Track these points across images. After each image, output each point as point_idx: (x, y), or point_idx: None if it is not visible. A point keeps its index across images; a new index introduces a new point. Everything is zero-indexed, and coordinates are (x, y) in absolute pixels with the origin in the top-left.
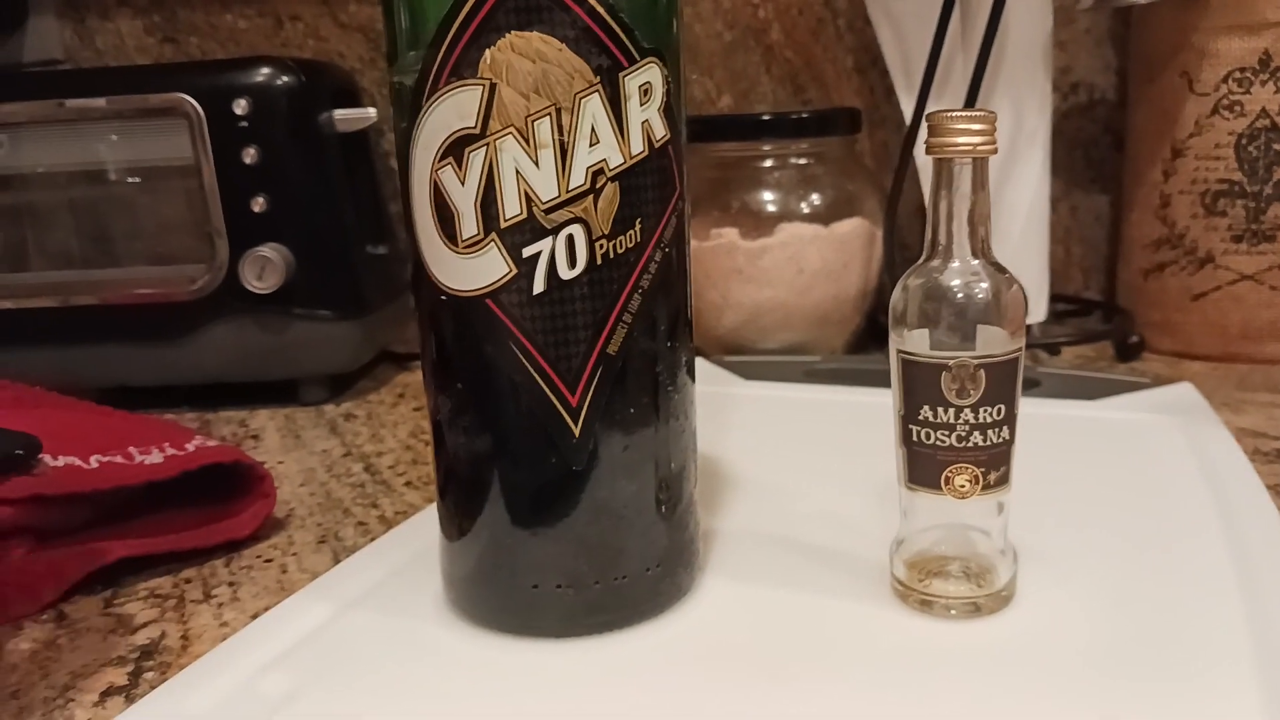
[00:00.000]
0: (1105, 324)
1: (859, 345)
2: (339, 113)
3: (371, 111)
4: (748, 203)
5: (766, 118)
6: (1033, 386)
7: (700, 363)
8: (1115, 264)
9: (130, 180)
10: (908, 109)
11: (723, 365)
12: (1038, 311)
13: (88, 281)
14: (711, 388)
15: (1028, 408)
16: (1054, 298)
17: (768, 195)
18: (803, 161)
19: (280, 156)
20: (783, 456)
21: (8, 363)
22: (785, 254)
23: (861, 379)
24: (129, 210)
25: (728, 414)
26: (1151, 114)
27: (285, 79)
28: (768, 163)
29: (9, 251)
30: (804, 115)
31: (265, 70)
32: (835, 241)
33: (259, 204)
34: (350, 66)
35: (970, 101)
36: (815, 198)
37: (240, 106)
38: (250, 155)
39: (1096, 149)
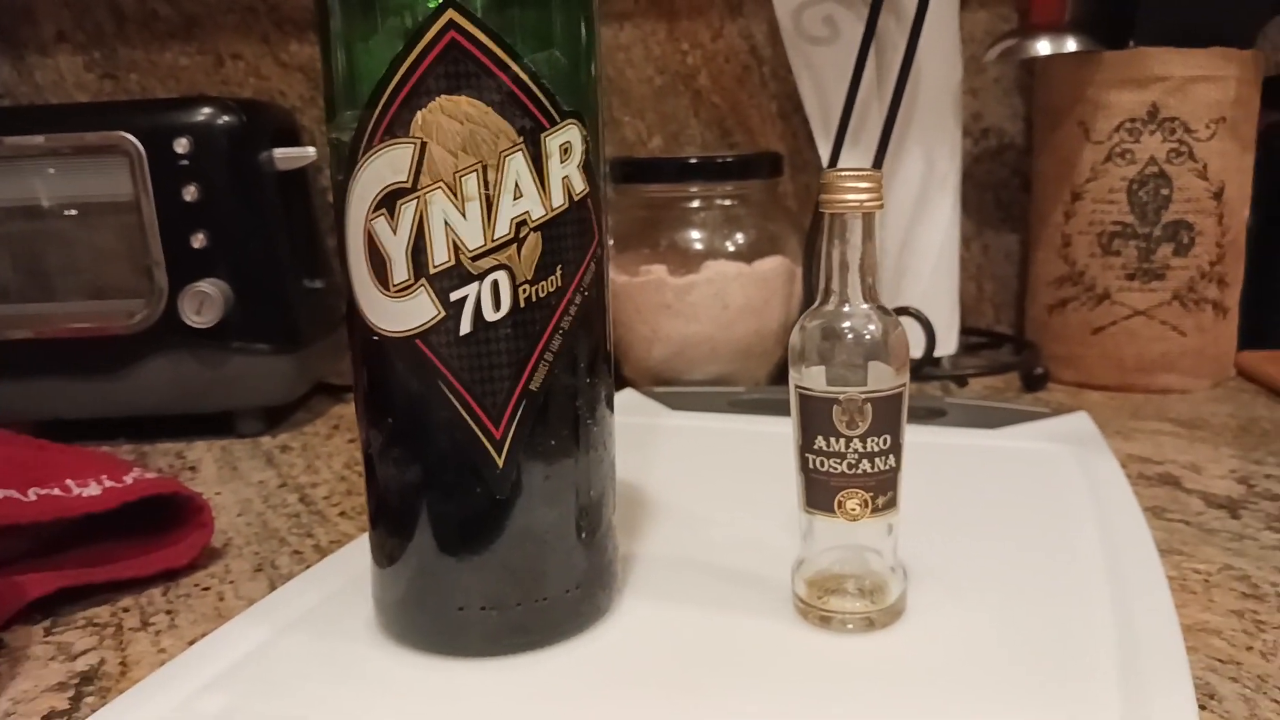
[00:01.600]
0: (1014, 356)
1: (780, 377)
2: (279, 151)
3: (311, 150)
4: (676, 241)
5: (694, 161)
6: (939, 416)
7: (630, 393)
8: (1024, 299)
9: (69, 215)
10: (825, 154)
11: (652, 396)
12: (947, 345)
13: (25, 315)
14: (640, 418)
15: (933, 436)
16: (966, 331)
17: (694, 234)
18: (728, 203)
19: (220, 194)
20: (703, 484)
21: None
22: (711, 290)
23: (783, 409)
24: (67, 245)
25: (655, 443)
26: (1053, 160)
27: (226, 118)
28: (695, 203)
29: None
30: (729, 159)
31: (207, 109)
32: (758, 279)
33: (199, 240)
34: (290, 105)
35: (883, 147)
36: (739, 237)
37: (181, 145)
38: (190, 193)
39: (1006, 191)
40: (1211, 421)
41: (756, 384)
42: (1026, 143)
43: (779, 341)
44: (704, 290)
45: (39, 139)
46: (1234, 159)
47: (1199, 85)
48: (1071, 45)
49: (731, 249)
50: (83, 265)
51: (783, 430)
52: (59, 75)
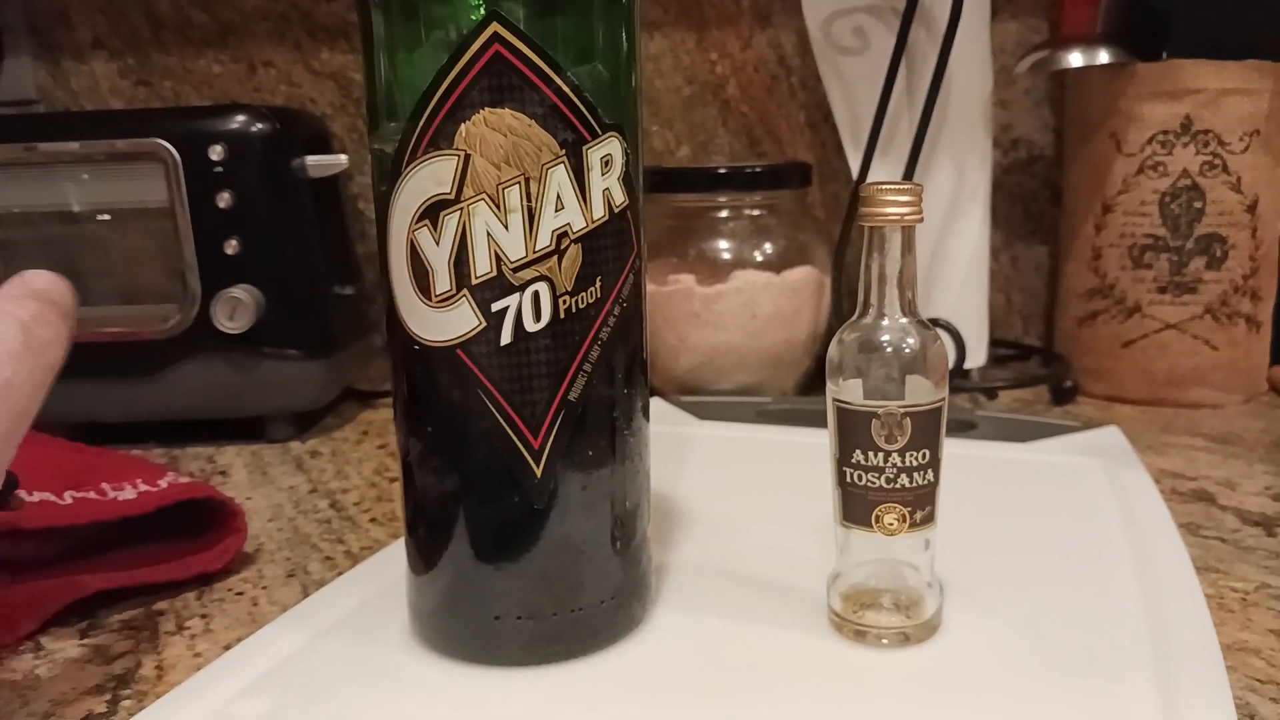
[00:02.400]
0: (1043, 369)
1: (809, 387)
2: (311, 159)
3: (343, 158)
4: (704, 250)
5: (723, 171)
6: (969, 429)
7: (657, 403)
8: (1053, 312)
9: (103, 220)
10: (855, 164)
11: (679, 405)
12: (977, 356)
13: None
14: (668, 427)
15: (964, 450)
16: (995, 343)
17: (723, 244)
18: (756, 212)
19: (254, 201)
20: (733, 494)
21: None
22: (739, 300)
23: (810, 420)
24: (102, 250)
25: (683, 453)
26: (1084, 172)
27: (260, 126)
28: (723, 213)
29: None
30: (758, 169)
31: (241, 117)
32: (787, 288)
33: (232, 246)
34: (321, 112)
35: (914, 158)
36: (768, 247)
37: (216, 152)
38: (224, 199)
39: (1036, 203)
40: (1245, 437)
41: (784, 394)
42: (1056, 154)
43: (807, 352)
44: (732, 300)
45: (74, 145)
46: (1267, 172)
47: (1232, 98)
48: (1104, 57)
49: (760, 259)
50: (117, 270)
51: (811, 441)
52: (94, 81)
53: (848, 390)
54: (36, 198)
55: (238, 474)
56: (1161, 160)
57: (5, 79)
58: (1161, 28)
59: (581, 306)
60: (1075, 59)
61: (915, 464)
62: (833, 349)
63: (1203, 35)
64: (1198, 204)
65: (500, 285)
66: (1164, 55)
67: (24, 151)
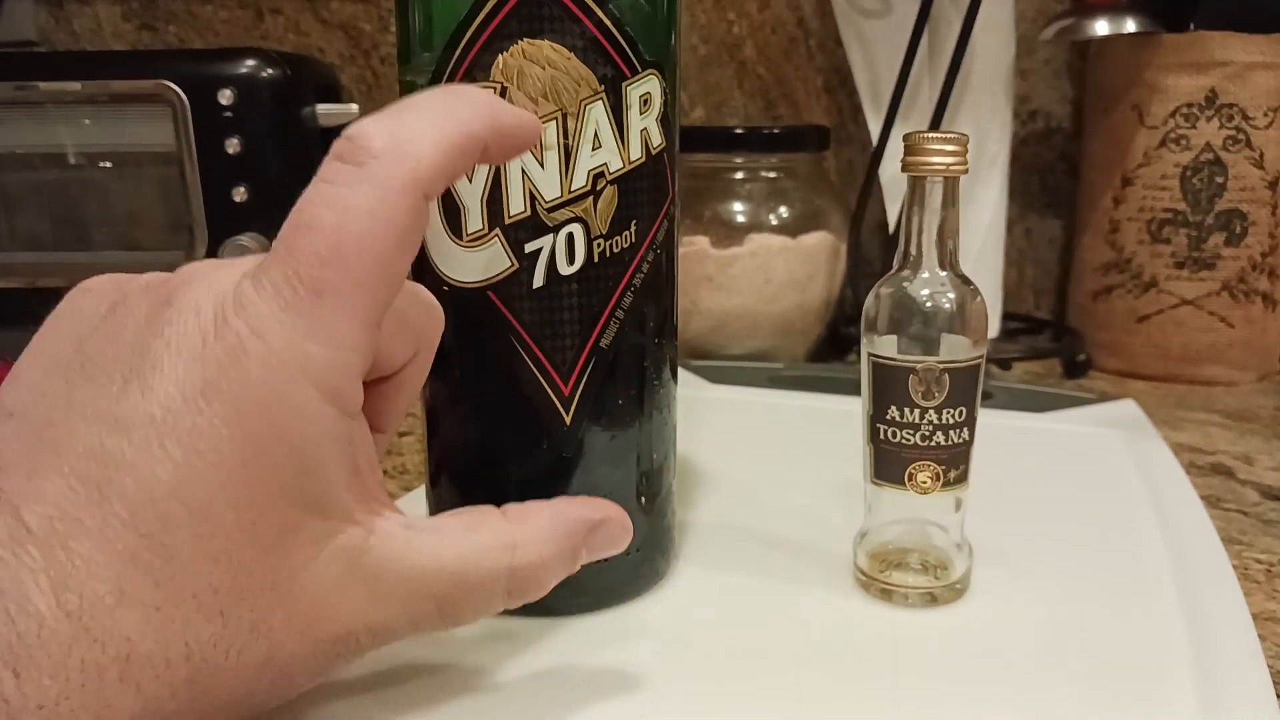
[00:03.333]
0: (1054, 342)
1: (821, 354)
2: (322, 107)
3: (354, 108)
4: (719, 212)
5: (739, 131)
6: (986, 399)
7: None
8: (1066, 285)
9: (106, 165)
10: (875, 129)
11: (690, 369)
12: (991, 327)
13: (60, 264)
14: (680, 390)
15: (982, 418)
16: (1006, 316)
17: (738, 206)
18: (773, 175)
19: (263, 148)
20: (749, 457)
21: None
22: (754, 263)
23: (823, 385)
24: (105, 195)
25: (696, 416)
26: (1104, 144)
27: (271, 71)
28: (739, 175)
29: None
30: (776, 131)
31: (251, 62)
32: (802, 253)
33: (240, 194)
34: (330, 62)
35: (935, 124)
36: (784, 210)
37: (225, 96)
38: (233, 145)
39: (1052, 175)
40: (1260, 414)
41: (796, 360)
42: (1074, 126)
43: (820, 318)
44: (747, 263)
45: (77, 85)
46: None
47: (1259, 72)
48: (1130, 26)
49: (775, 222)
50: (120, 216)
51: (825, 406)
52: (96, 24)
53: (882, 345)
54: (39, 139)
55: None
56: (1184, 133)
57: (5, 20)
58: None
59: (616, 251)
60: (1101, 27)
61: (951, 421)
62: (869, 303)
63: (1232, 7)
64: (1219, 179)
65: (534, 225)
66: (1191, 26)
67: (23, 91)
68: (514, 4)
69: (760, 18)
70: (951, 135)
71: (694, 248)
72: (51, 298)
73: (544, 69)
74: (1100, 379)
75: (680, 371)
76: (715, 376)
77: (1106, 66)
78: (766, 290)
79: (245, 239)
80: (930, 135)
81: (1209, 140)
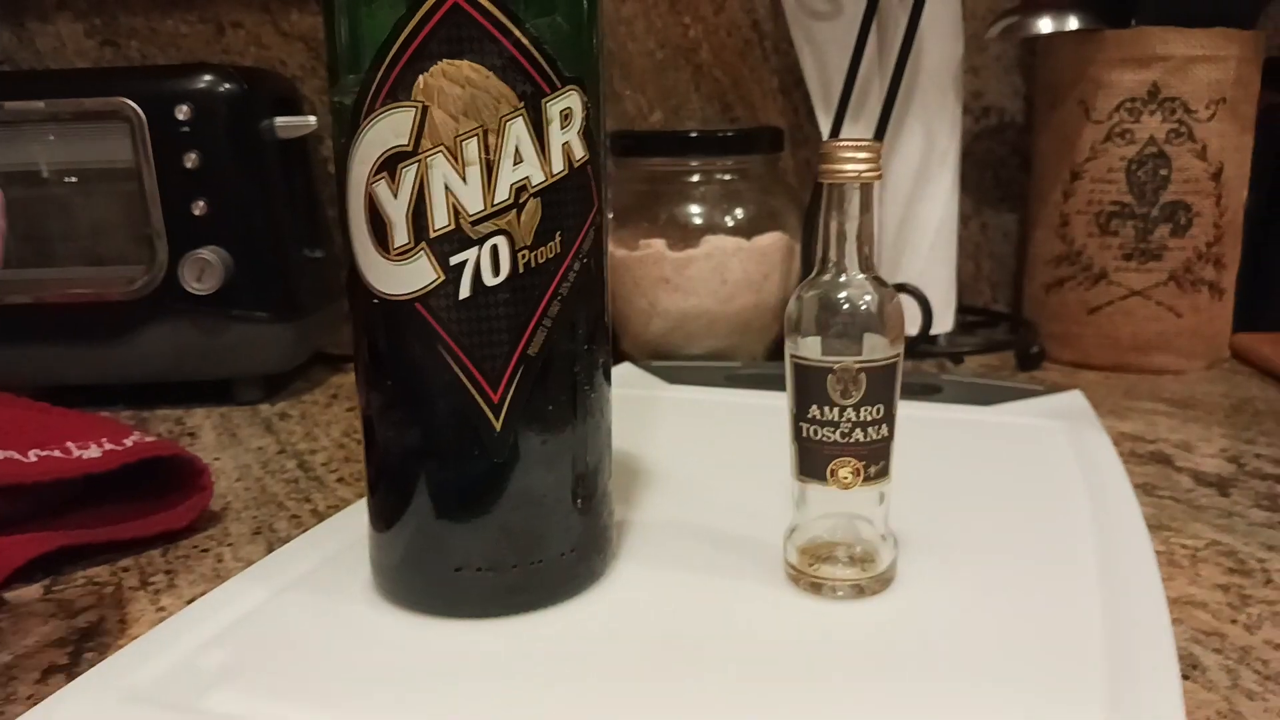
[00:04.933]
0: (1011, 334)
1: (778, 352)
2: (280, 120)
3: (312, 120)
4: (675, 215)
5: (694, 135)
6: (934, 393)
7: (627, 367)
8: (1021, 278)
9: (69, 181)
10: (826, 129)
11: (649, 370)
12: (944, 322)
13: (25, 281)
14: (638, 391)
15: (927, 412)
16: (963, 309)
17: (694, 208)
18: (727, 177)
19: (221, 162)
20: (699, 455)
21: None
22: (710, 265)
23: (779, 384)
24: (68, 211)
25: (652, 416)
26: (1053, 139)
27: (228, 86)
28: (694, 178)
29: None
30: (729, 134)
31: (208, 77)
32: (757, 254)
33: (199, 207)
34: (291, 74)
35: (883, 122)
36: (739, 212)
37: (182, 112)
38: (191, 160)
39: (1005, 169)
40: (1204, 401)
41: (754, 359)
42: (1026, 121)
43: (776, 317)
44: (703, 265)
45: (39, 104)
46: (1233, 139)
47: (1200, 65)
48: (1073, 23)
49: (731, 224)
50: (83, 231)
51: (779, 404)
52: (59, 42)
53: (805, 347)
54: (1, 157)
55: (206, 435)
56: (1129, 127)
57: None
58: None
59: (541, 261)
60: (1045, 25)
61: (870, 419)
62: (791, 305)
63: (1171, 2)
64: (1164, 171)
65: (458, 238)
66: (1133, 22)
67: None
68: (433, 26)
69: (715, 21)
70: (865, 143)
71: (651, 250)
72: (19, 314)
73: (464, 88)
74: (1053, 370)
75: (637, 372)
76: (673, 376)
77: (1053, 63)
78: (722, 291)
79: (205, 252)
80: (844, 143)
81: (1152, 134)
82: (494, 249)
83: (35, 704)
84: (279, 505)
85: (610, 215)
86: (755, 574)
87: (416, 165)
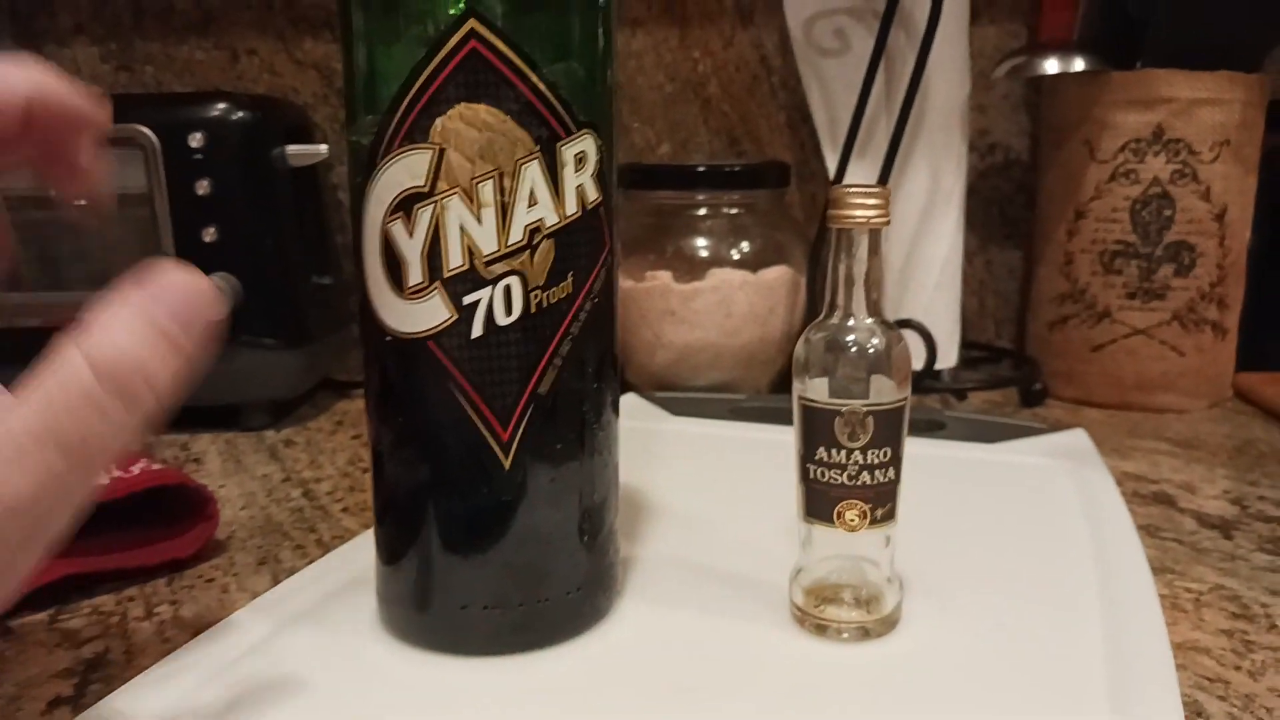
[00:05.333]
0: (1014, 371)
1: (783, 385)
2: (291, 148)
3: (323, 148)
4: (681, 248)
5: (701, 169)
6: (938, 429)
7: (632, 398)
8: (1025, 315)
9: (81, 205)
10: (832, 166)
11: (653, 401)
12: (948, 358)
13: (37, 304)
14: (641, 423)
15: (931, 449)
16: (967, 344)
17: (700, 241)
18: (734, 211)
19: (232, 189)
20: (704, 489)
21: None
22: (715, 298)
23: (783, 417)
24: (79, 235)
25: (656, 448)
26: (1058, 177)
27: (240, 114)
28: (701, 211)
29: None
30: (736, 168)
31: (221, 105)
32: (762, 287)
33: (210, 234)
34: (304, 102)
35: (889, 160)
36: (745, 245)
37: (195, 140)
38: (203, 187)
39: (1011, 207)
40: (1208, 442)
41: (758, 391)
42: (1032, 159)
43: (781, 350)
44: (708, 298)
45: None
46: (1237, 181)
47: (1204, 108)
48: (1079, 64)
49: (737, 257)
50: (94, 255)
51: (783, 438)
52: (75, 67)
53: (813, 389)
54: (14, 180)
55: (212, 462)
56: (1133, 168)
57: None
58: (1138, 36)
59: (553, 301)
60: (1051, 65)
61: (877, 461)
62: (799, 348)
63: (1177, 45)
64: (1167, 212)
65: (472, 279)
66: (1138, 64)
67: None
68: (451, 70)
69: (724, 55)
70: (873, 189)
71: (657, 282)
72: (31, 337)
73: (480, 131)
74: (1057, 407)
75: (642, 403)
76: (677, 408)
77: (1059, 103)
78: (728, 324)
79: (215, 278)
80: (853, 189)
81: (1157, 174)
82: (507, 289)
83: None
84: (284, 535)
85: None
86: (760, 614)
87: (433, 206)
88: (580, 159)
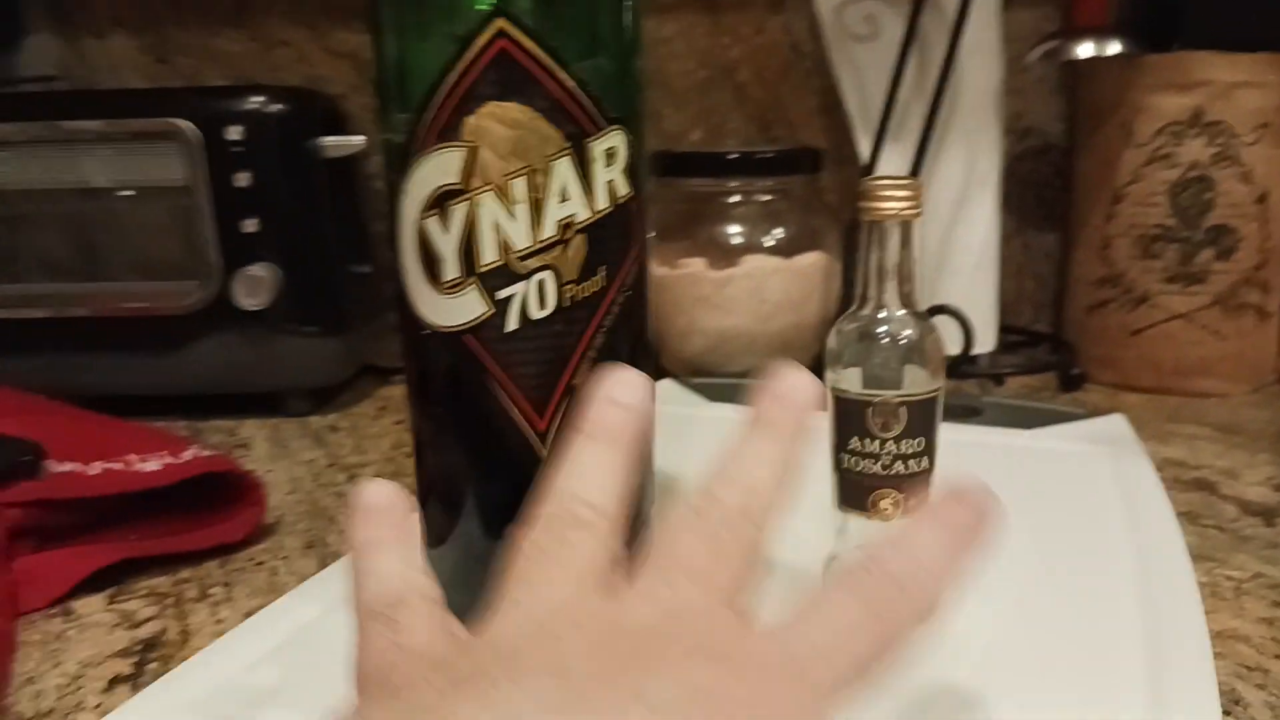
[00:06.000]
0: (1052, 356)
1: (818, 371)
2: (328, 139)
3: (358, 139)
4: (714, 235)
5: (734, 156)
6: (975, 415)
7: (667, 384)
8: (1063, 299)
9: (125, 197)
10: (865, 151)
11: (690, 387)
12: (985, 343)
13: (83, 294)
14: (677, 409)
15: (968, 435)
16: (1005, 329)
17: (733, 228)
18: (767, 198)
19: (271, 180)
20: None
21: (3, 370)
22: (749, 284)
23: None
24: (123, 227)
25: (691, 435)
26: (1095, 161)
27: (278, 106)
28: (734, 198)
29: (4, 263)
30: (769, 154)
31: (259, 98)
32: (796, 274)
33: (250, 225)
34: (337, 92)
35: (923, 146)
36: (778, 232)
37: (234, 132)
38: (243, 179)
39: (1048, 190)
40: (1249, 427)
41: None
42: (1069, 143)
43: (816, 336)
44: (742, 284)
45: (96, 124)
46: (1278, 164)
47: (1243, 90)
48: (1115, 48)
49: (770, 244)
50: (138, 246)
51: (818, 424)
52: (113, 58)
53: (846, 379)
54: (59, 174)
55: (258, 447)
56: (1171, 151)
57: (26, 55)
58: (1173, 19)
59: (586, 295)
60: (1086, 49)
61: (910, 451)
62: (831, 339)
63: (1215, 27)
64: (1207, 195)
65: (506, 273)
66: (1175, 46)
67: (47, 129)
68: (482, 70)
69: (756, 41)
70: (904, 180)
71: (690, 269)
72: (77, 326)
73: (511, 129)
74: (1095, 392)
75: (678, 389)
76: (713, 394)
77: (1095, 86)
78: (762, 310)
79: (256, 268)
80: (884, 181)
81: (1196, 158)
82: (540, 283)
83: (103, 713)
84: (330, 519)
85: (651, 234)
86: (795, 602)
87: (466, 203)
88: (611, 154)
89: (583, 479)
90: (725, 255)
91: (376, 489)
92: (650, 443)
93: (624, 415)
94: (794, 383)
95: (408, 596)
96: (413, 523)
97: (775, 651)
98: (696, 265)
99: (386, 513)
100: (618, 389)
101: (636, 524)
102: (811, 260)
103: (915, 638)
